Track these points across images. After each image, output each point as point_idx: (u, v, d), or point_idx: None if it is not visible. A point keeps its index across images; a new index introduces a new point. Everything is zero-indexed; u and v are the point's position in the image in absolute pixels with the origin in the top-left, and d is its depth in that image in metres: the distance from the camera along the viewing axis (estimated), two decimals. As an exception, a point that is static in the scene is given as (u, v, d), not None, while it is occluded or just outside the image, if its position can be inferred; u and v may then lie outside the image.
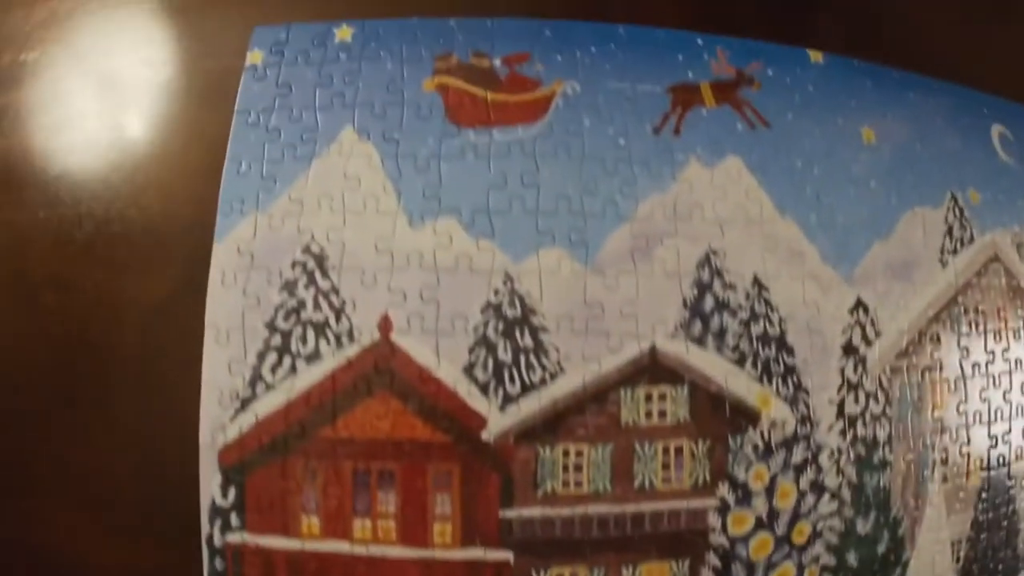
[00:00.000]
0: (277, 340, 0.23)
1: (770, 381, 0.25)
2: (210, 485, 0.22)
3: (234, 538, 0.22)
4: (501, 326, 0.23)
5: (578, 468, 0.23)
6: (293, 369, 0.23)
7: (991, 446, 0.29)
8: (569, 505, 0.23)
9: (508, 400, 0.23)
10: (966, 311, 0.30)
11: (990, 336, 0.30)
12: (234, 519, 0.22)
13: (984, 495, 0.29)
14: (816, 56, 0.30)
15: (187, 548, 0.22)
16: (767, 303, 0.26)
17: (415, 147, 0.24)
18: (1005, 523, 0.29)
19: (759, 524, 0.25)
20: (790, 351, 0.25)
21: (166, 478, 0.22)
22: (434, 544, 0.22)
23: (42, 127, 0.26)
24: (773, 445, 0.25)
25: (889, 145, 0.30)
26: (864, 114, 0.29)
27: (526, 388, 0.23)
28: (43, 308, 0.23)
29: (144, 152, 0.25)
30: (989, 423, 0.29)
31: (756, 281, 0.26)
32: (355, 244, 0.23)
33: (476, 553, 0.23)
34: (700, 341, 0.25)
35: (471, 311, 0.23)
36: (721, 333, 0.25)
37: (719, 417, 0.24)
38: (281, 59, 0.25)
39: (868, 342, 0.27)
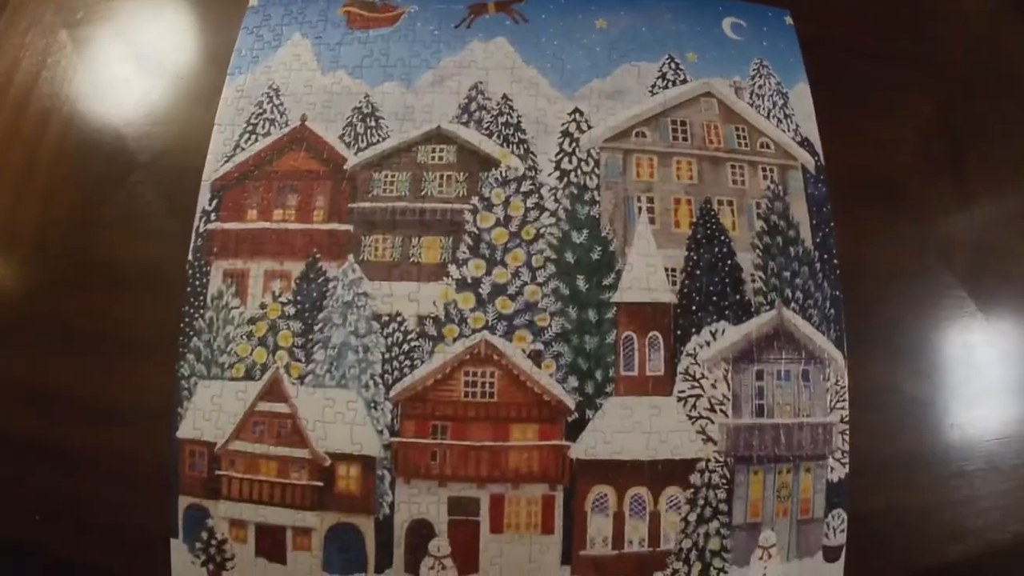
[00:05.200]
0: (250, 127, 0.49)
1: (508, 145, 0.47)
2: (204, 199, 0.47)
3: (212, 226, 0.47)
4: (359, 117, 0.48)
5: (391, 183, 0.46)
6: (255, 141, 0.48)
7: (701, 205, 0.47)
8: (383, 202, 0.46)
9: (360, 150, 0.47)
10: (673, 122, 0.49)
11: (695, 139, 0.49)
12: (212, 216, 0.47)
13: (692, 241, 0.46)
14: (574, -16, 0.54)
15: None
16: (511, 108, 0.48)
17: (330, 40, 0.51)
18: (719, 265, 0.46)
19: (497, 223, 0.45)
20: (523, 130, 0.47)
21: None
22: (314, 220, 0.46)
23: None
24: (508, 179, 0.46)
25: (618, 29, 0.52)
26: (600, 11, 0.52)
27: (369, 145, 0.47)
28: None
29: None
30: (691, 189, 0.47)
31: (505, 98, 0.48)
32: (294, 84, 0.50)
33: (334, 226, 0.46)
34: (467, 124, 0.47)
35: (347, 111, 0.48)
36: (479, 120, 0.47)
37: (475, 161, 0.46)
38: (267, 0, 0.53)
39: (581, 130, 0.48)
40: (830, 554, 0.43)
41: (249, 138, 0.49)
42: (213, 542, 0.42)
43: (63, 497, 0.45)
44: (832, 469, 0.44)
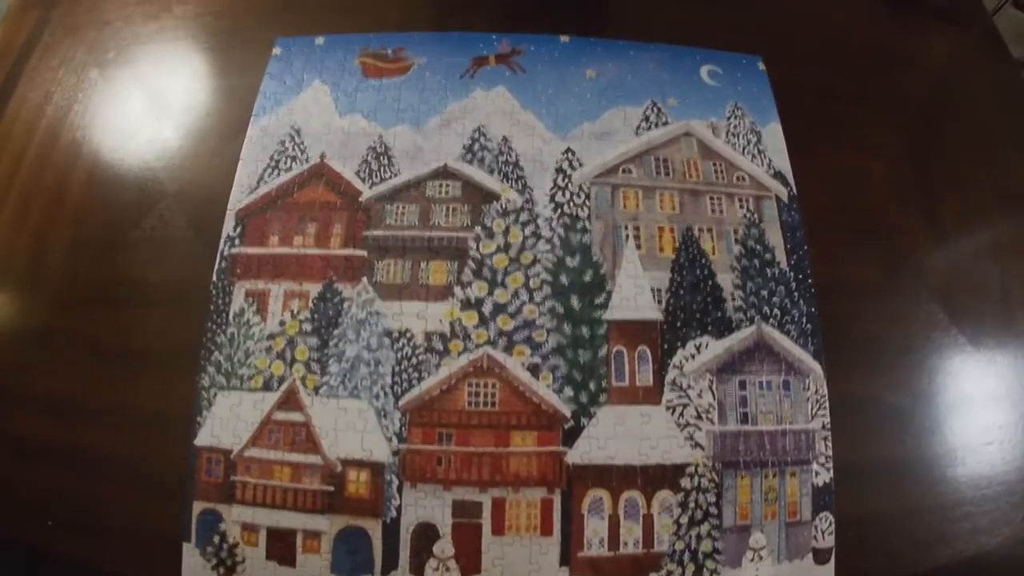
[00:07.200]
0: (272, 163, 0.55)
1: (507, 181, 0.53)
2: (229, 226, 0.53)
3: (235, 250, 0.52)
4: (373, 155, 0.54)
5: (402, 214, 0.52)
6: (278, 175, 0.55)
7: (683, 232, 0.53)
8: (395, 230, 0.51)
9: (374, 185, 0.53)
10: (656, 159, 0.56)
11: (676, 174, 0.55)
12: (236, 241, 0.52)
13: (675, 264, 0.52)
14: (565, 38, 0.61)
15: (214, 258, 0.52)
16: (510, 148, 0.55)
17: (347, 86, 0.58)
18: (701, 285, 0.52)
19: (498, 249, 0.51)
20: (521, 168, 0.54)
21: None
22: (331, 246, 0.51)
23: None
24: (508, 210, 0.52)
25: (606, 78, 0.59)
26: (590, 63, 0.60)
27: (383, 180, 0.53)
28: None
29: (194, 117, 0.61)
30: (673, 219, 0.53)
31: (505, 139, 0.55)
32: (314, 125, 0.56)
33: (350, 251, 0.51)
34: (470, 162, 0.54)
35: (363, 149, 0.55)
36: (482, 159, 0.54)
37: (477, 195, 0.52)
38: (289, 50, 0.61)
39: (573, 168, 0.54)
40: (820, 556, 0.46)
41: (272, 172, 0.55)
42: (224, 546, 0.45)
43: (78, 502, 0.48)
44: (817, 474, 0.47)
